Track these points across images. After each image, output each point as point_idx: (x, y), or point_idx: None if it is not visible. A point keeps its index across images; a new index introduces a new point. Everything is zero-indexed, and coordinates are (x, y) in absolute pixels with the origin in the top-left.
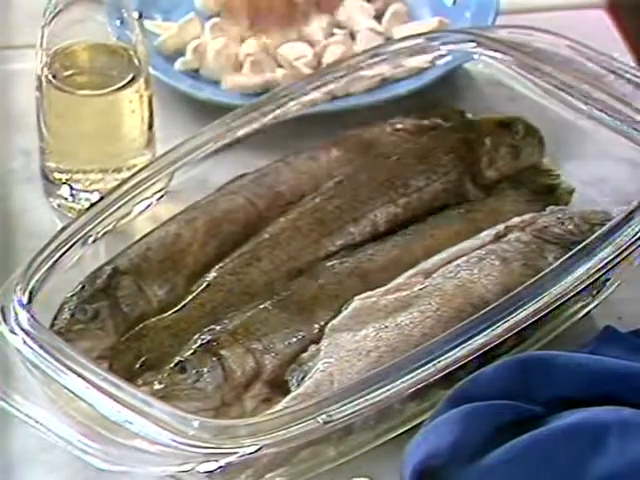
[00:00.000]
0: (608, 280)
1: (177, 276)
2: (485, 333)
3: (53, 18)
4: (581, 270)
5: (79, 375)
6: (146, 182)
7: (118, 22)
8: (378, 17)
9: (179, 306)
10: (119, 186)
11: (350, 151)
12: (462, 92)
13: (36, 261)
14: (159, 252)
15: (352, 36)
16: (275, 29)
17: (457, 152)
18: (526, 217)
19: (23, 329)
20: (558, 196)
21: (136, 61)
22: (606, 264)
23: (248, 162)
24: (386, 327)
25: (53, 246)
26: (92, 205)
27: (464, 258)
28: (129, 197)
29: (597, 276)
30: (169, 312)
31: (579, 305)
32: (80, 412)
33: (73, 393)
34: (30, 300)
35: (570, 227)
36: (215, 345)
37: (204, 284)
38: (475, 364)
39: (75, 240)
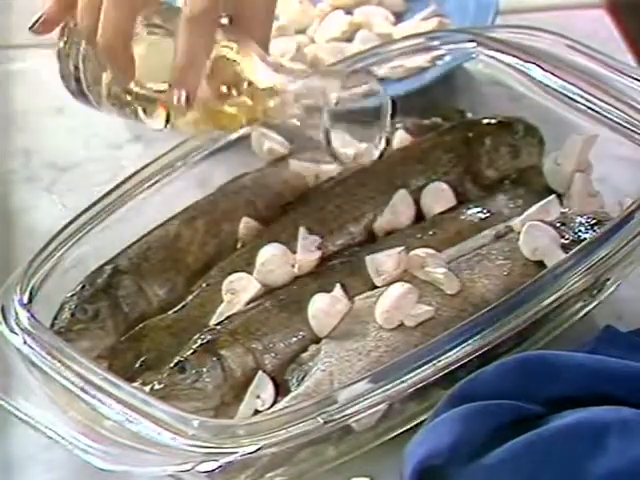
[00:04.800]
0: (608, 280)
1: (177, 276)
2: (485, 333)
3: None
4: (581, 270)
5: (79, 375)
6: (146, 182)
7: None
8: None
9: (179, 306)
10: (119, 185)
11: None
12: (462, 92)
13: (36, 261)
14: (159, 252)
15: None
16: None
17: (457, 152)
18: (525, 217)
19: (23, 329)
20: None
21: None
22: (606, 264)
23: (248, 162)
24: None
25: (53, 246)
26: (92, 205)
27: (464, 258)
28: (129, 196)
29: (597, 276)
30: (169, 312)
31: (579, 305)
32: (80, 412)
33: (73, 393)
34: (30, 300)
35: (570, 227)
36: (215, 345)
37: (204, 284)
38: (475, 364)
39: (75, 240)
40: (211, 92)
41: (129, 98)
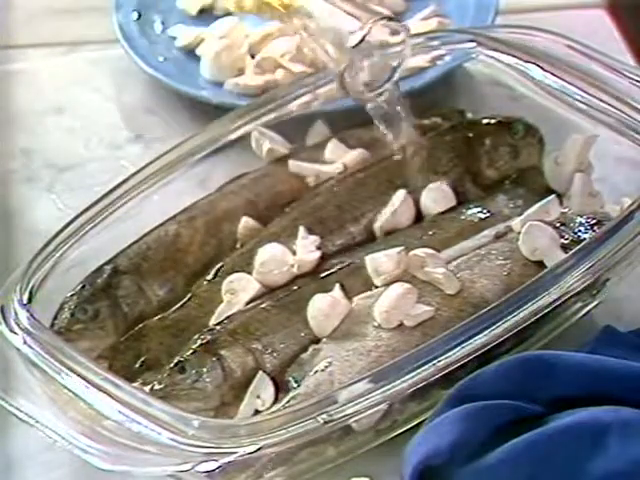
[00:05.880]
0: (608, 280)
1: (177, 276)
2: (485, 333)
3: None
4: (581, 270)
5: (79, 375)
6: (146, 182)
7: None
8: None
9: (179, 306)
10: (119, 185)
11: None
12: (462, 92)
13: (36, 261)
14: (159, 252)
15: None
16: None
17: (457, 152)
18: (525, 217)
19: (23, 329)
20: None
21: None
22: (606, 264)
23: (248, 162)
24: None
25: (53, 246)
26: (92, 205)
27: (464, 258)
28: (129, 196)
29: (597, 276)
30: (169, 312)
31: (579, 305)
32: (80, 412)
33: (73, 393)
34: (30, 300)
35: (570, 227)
36: (215, 345)
37: (204, 284)
38: (475, 364)
39: (75, 240)
40: None
41: None
